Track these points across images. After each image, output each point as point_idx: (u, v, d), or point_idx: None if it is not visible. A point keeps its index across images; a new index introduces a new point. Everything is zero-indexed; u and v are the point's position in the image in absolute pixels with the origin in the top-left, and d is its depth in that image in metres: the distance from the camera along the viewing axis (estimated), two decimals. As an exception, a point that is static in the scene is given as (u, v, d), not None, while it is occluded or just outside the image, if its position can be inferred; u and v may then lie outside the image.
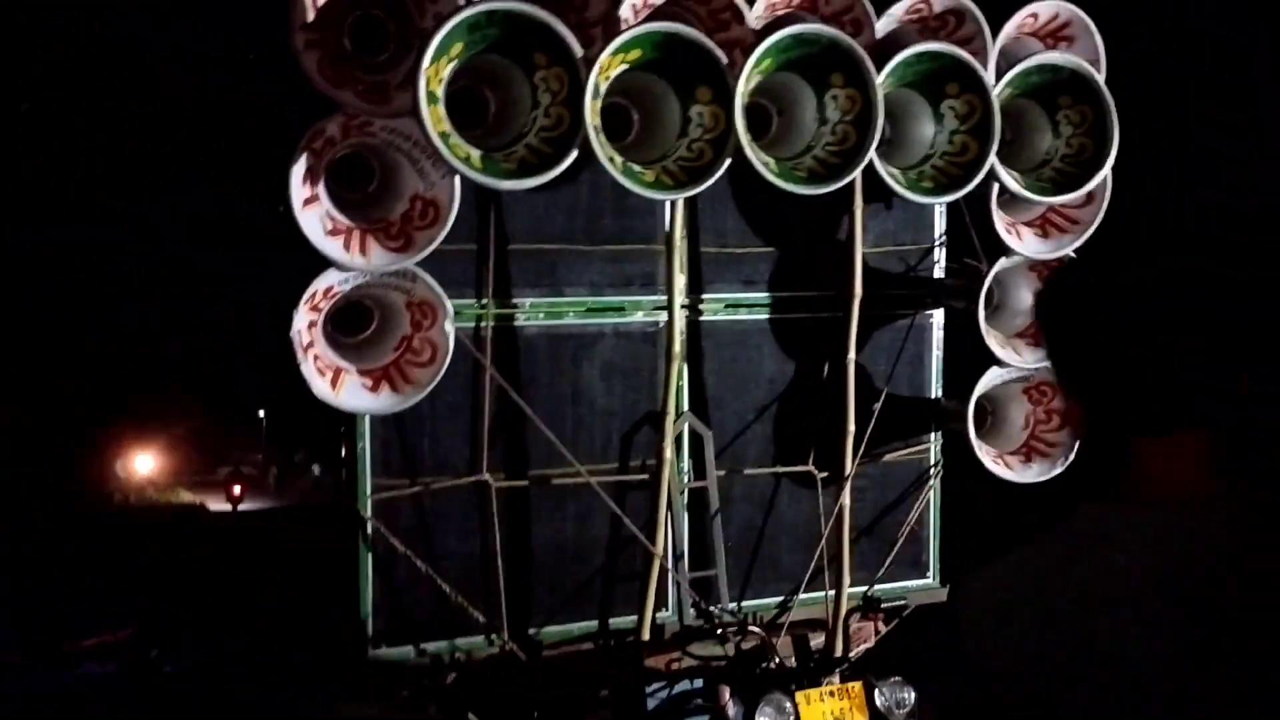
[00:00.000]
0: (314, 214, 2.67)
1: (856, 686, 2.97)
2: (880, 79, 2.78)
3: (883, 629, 3.66)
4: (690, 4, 2.88)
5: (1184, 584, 0.99)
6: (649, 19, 2.83)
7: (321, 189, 2.72)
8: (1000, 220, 3.39)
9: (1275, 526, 1.00)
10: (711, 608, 3.46)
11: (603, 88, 2.58)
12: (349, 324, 3.07)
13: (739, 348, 3.61)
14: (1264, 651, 0.95)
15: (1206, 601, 0.98)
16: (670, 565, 3.39)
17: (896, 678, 2.91)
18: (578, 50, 2.52)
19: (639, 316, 3.44)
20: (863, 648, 3.38)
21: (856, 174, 2.84)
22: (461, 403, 3.27)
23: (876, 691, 2.92)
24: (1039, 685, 1.04)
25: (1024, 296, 3.59)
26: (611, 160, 2.59)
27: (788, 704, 2.90)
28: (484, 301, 3.22)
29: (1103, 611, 1.01)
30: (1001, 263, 3.44)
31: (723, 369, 3.59)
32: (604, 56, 2.52)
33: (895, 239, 3.73)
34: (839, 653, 3.34)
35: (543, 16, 2.47)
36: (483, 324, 3.22)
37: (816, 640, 3.52)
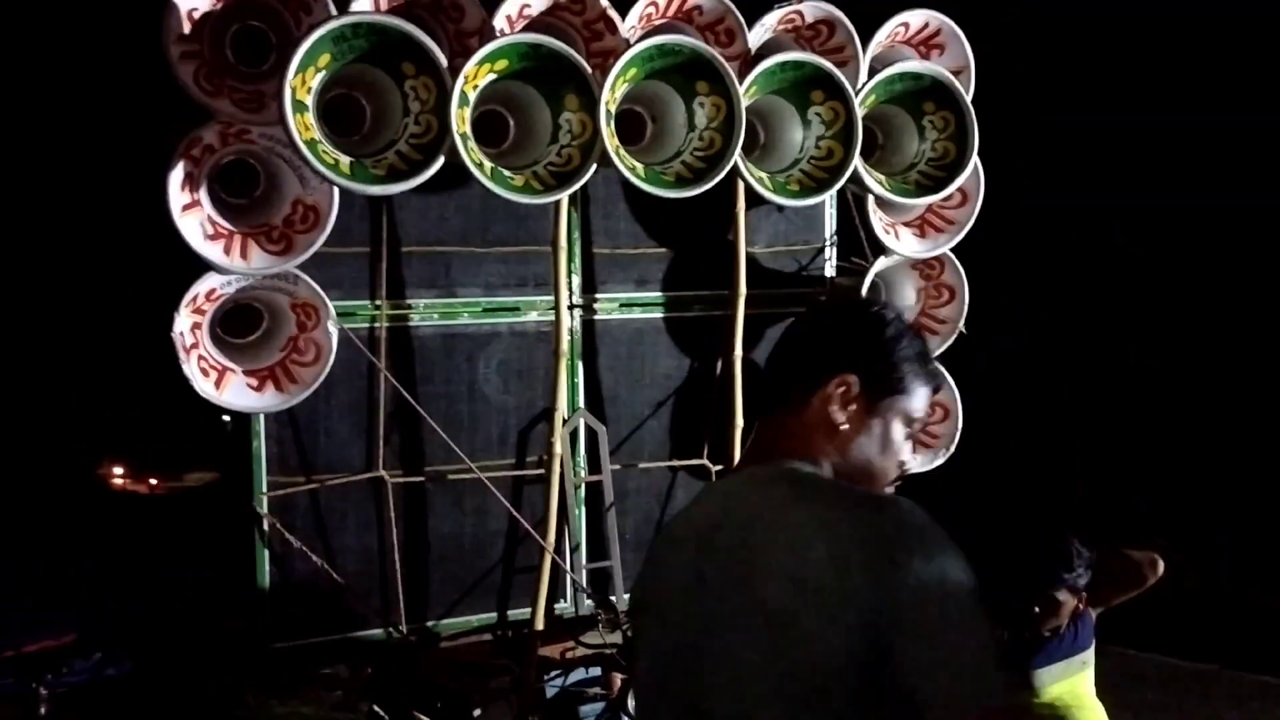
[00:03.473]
0: (194, 219, 2.75)
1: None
2: (744, 87, 2.90)
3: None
4: (566, 15, 2.99)
5: (701, 531, 1.37)
6: (526, 29, 2.95)
7: (203, 194, 2.80)
8: (879, 221, 3.53)
9: (765, 485, 1.36)
10: (610, 598, 3.58)
11: (471, 96, 2.68)
12: (242, 326, 3.16)
13: (634, 346, 3.72)
14: (721, 583, 1.31)
15: (704, 544, 1.35)
16: (565, 558, 3.50)
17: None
18: (443, 60, 2.62)
19: (533, 316, 3.54)
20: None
21: (719, 178, 2.96)
22: (358, 401, 3.37)
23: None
24: (635, 599, 1.50)
25: (907, 294, 3.73)
26: (479, 166, 2.69)
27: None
28: (378, 303, 3.31)
29: (666, 548, 1.43)
30: (881, 262, 3.58)
31: (618, 366, 3.71)
32: (469, 66, 2.63)
33: (787, 239, 3.86)
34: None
35: (406, 28, 2.57)
36: (377, 325, 3.32)
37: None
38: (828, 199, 3.76)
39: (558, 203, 3.20)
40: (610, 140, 2.79)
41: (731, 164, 2.93)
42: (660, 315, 3.72)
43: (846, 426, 1.39)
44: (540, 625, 3.40)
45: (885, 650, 1.16)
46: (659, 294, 3.71)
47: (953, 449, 3.69)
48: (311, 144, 2.53)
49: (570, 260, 3.51)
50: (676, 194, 2.94)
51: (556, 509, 3.41)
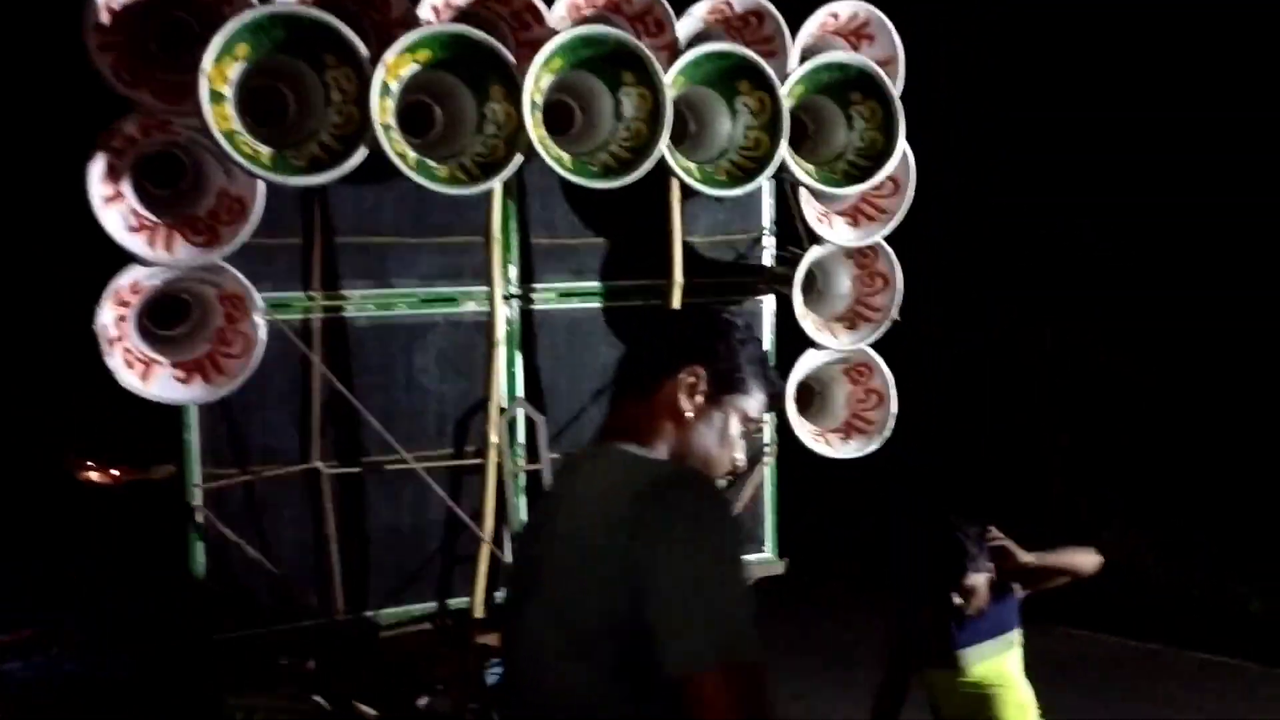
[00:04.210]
0: (116, 211, 2.74)
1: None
2: (669, 78, 2.92)
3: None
4: (493, 5, 3.00)
5: (537, 510, 1.65)
6: (454, 20, 2.95)
7: (126, 186, 2.79)
8: (812, 210, 3.56)
9: (589, 463, 1.55)
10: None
11: (394, 87, 2.69)
12: (172, 318, 3.15)
13: (572, 336, 3.74)
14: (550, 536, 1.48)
15: (534, 522, 1.61)
16: (504, 546, 3.52)
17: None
18: (363, 50, 2.63)
19: (471, 307, 3.55)
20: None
21: (646, 168, 2.98)
22: (293, 392, 3.36)
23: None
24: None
25: (843, 282, 3.77)
26: (403, 156, 2.70)
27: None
28: (312, 294, 3.31)
29: (539, 506, 1.69)
30: (815, 251, 3.61)
31: (557, 356, 3.72)
32: (390, 56, 2.63)
33: (725, 229, 3.88)
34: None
35: (324, 18, 2.57)
36: (311, 316, 3.32)
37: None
38: (765, 188, 3.79)
39: (492, 192, 3.21)
40: (535, 130, 2.80)
41: (657, 154, 2.94)
42: (599, 305, 3.74)
43: (690, 415, 1.50)
44: (480, 614, 3.42)
45: (640, 604, 1.27)
46: (597, 284, 3.72)
47: (887, 434, 3.73)
48: (230, 135, 2.53)
49: (507, 250, 3.52)
50: (603, 184, 2.96)
51: (495, 498, 3.43)
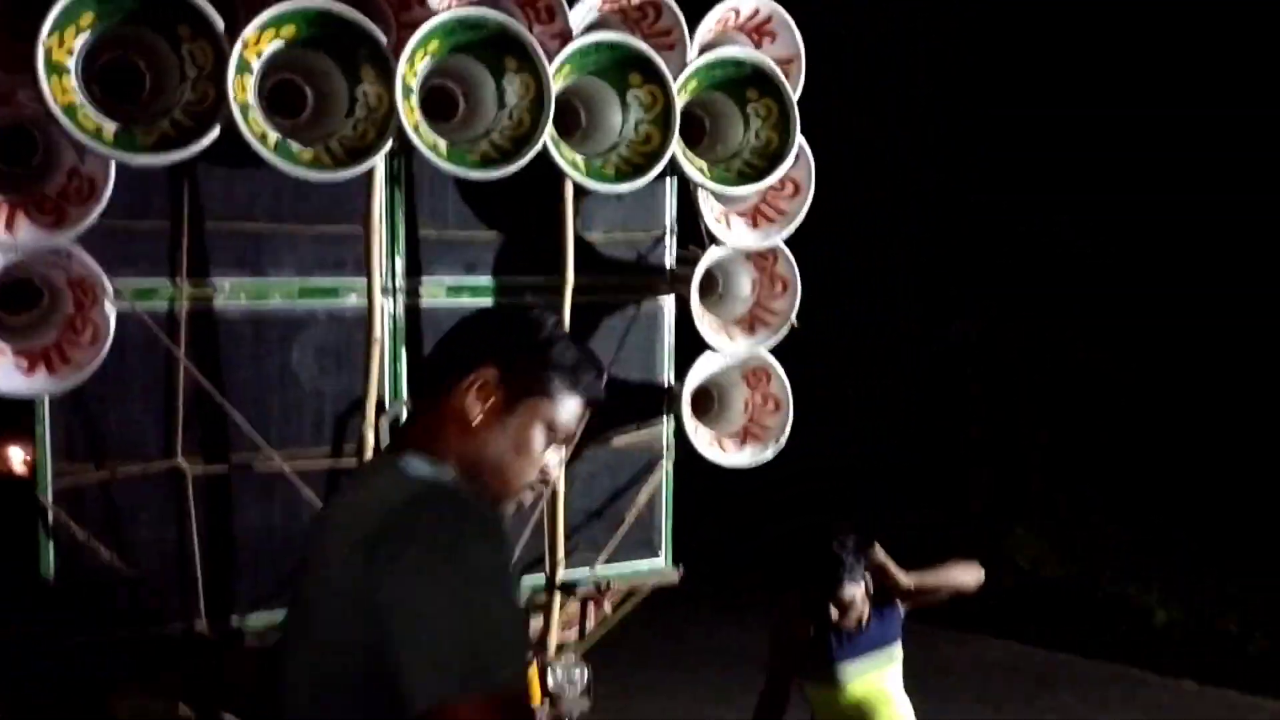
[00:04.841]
0: (-51, 186, 2.55)
1: (530, 669, 3.01)
2: (554, 67, 2.80)
3: (608, 612, 3.71)
4: (374, -17, 2.85)
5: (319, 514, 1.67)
6: (333, -3, 2.79)
7: (-36, 160, 2.60)
8: (711, 210, 3.47)
9: (362, 481, 1.52)
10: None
11: (254, 63, 2.53)
12: (23, 304, 2.95)
13: (462, 333, 3.60)
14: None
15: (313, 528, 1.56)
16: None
17: (570, 656, 2.97)
18: (219, 23, 2.47)
19: (353, 300, 3.39)
20: (570, 630, 3.43)
21: (527, 159, 2.86)
22: (157, 386, 3.18)
23: (549, 671, 2.97)
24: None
25: (743, 285, 3.68)
26: (262, 138, 2.55)
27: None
28: (177, 282, 3.13)
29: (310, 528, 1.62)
30: (714, 252, 3.52)
31: (445, 354, 3.58)
32: (249, 31, 2.47)
33: (625, 226, 3.77)
34: (551, 635, 3.37)
35: (176, -12, 2.41)
36: (176, 305, 3.14)
37: (536, 623, 3.55)
38: (668, 186, 3.69)
39: (371, 180, 3.06)
40: (408, 116, 2.66)
41: (539, 145, 2.83)
42: (490, 301, 3.60)
43: (479, 420, 1.37)
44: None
45: (383, 637, 1.17)
46: (489, 280, 3.59)
47: (783, 442, 3.66)
48: (70, 109, 2.36)
49: (394, 242, 3.37)
50: (481, 174, 2.84)
51: (371, 501, 3.28)
